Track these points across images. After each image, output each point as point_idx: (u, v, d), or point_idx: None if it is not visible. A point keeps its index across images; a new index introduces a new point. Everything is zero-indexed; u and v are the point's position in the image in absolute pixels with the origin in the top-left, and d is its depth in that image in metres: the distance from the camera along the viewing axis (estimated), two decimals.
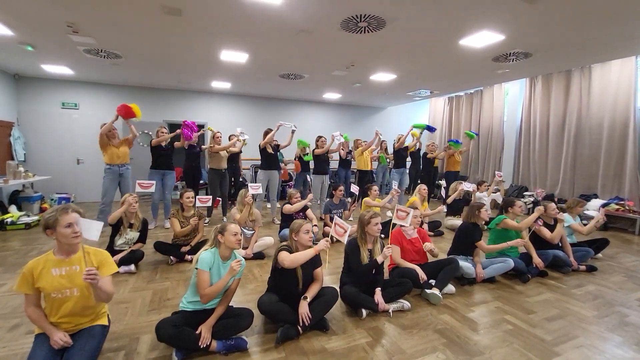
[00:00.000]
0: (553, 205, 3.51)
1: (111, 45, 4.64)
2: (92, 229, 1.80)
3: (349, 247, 2.60)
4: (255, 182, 5.27)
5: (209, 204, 3.72)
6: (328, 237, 2.41)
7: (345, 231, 2.40)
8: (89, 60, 5.40)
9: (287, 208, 4.26)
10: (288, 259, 2.19)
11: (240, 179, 7.17)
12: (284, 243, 2.39)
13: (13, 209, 5.29)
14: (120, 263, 3.20)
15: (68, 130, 7.05)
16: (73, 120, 7.10)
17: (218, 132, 5.40)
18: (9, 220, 4.86)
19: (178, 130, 5.01)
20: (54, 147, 6.95)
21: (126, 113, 4.45)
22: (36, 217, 5.18)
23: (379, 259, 2.52)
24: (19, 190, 5.86)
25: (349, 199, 5.66)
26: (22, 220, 4.94)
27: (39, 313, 1.73)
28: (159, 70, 6.05)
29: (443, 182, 7.33)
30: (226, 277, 2.04)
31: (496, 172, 5.82)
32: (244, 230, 2.12)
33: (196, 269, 2.04)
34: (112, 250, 3.29)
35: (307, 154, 6.24)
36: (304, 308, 2.18)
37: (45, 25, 3.91)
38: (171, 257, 3.54)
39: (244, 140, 5.53)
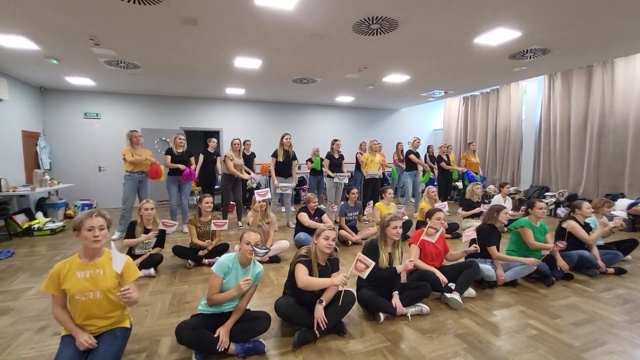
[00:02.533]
0: (587, 204, 3.38)
1: (130, 56, 4.80)
2: (117, 260, 1.81)
3: (368, 249, 2.57)
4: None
5: (225, 227, 3.70)
6: (347, 273, 2.23)
7: (367, 267, 2.26)
8: (109, 71, 5.61)
9: (303, 219, 4.26)
10: (303, 281, 2.16)
11: (255, 184, 7.26)
12: (303, 251, 2.35)
13: (39, 215, 5.52)
14: (140, 267, 3.28)
15: (90, 139, 7.33)
16: (95, 129, 7.38)
17: (236, 138, 5.38)
18: (36, 226, 5.07)
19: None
20: (77, 156, 7.23)
21: (155, 174, 4.78)
22: (61, 223, 5.38)
23: (398, 268, 2.49)
24: (44, 197, 6.11)
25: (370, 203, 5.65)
26: (47, 227, 5.14)
27: (66, 314, 1.79)
28: (175, 79, 6.21)
29: (459, 184, 7.21)
30: (232, 291, 2.03)
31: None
32: (256, 249, 2.09)
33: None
34: (131, 255, 3.37)
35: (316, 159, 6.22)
36: (319, 312, 2.16)
37: (68, 38, 4.09)
38: (189, 261, 3.60)
39: (249, 183, 5.57)
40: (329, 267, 2.37)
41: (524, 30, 3.89)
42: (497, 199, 5.30)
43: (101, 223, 1.79)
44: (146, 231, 3.42)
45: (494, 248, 3.08)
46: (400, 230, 2.57)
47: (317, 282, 2.21)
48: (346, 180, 5.68)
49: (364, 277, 2.28)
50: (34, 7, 3.26)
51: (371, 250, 2.55)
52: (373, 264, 2.28)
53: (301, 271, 2.22)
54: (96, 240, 1.77)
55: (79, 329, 1.77)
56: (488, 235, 3.11)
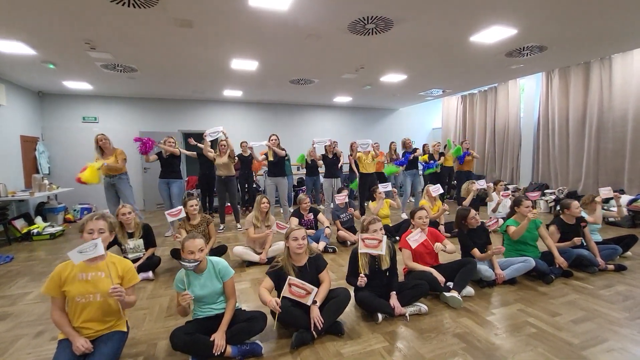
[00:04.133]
0: (576, 203, 3.37)
1: (127, 59, 4.81)
2: (75, 254, 1.73)
3: (352, 254, 2.58)
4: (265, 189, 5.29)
5: (182, 215, 3.59)
6: (280, 299, 2.12)
7: (309, 293, 2.14)
8: (107, 75, 5.61)
9: (292, 225, 4.24)
10: (259, 293, 2.22)
11: (254, 185, 7.26)
12: (279, 259, 2.35)
13: (39, 220, 5.53)
14: (138, 270, 3.26)
15: (89, 143, 7.21)
16: (93, 133, 7.30)
17: (223, 141, 5.27)
18: (35, 231, 5.08)
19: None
20: (76, 160, 7.18)
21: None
22: (60, 228, 5.39)
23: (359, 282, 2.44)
24: (44, 202, 6.12)
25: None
26: (47, 231, 5.15)
27: (64, 318, 1.79)
28: (172, 81, 6.22)
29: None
30: (179, 308, 2.02)
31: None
32: (183, 263, 2.02)
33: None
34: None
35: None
36: (315, 312, 2.16)
37: (64, 43, 4.10)
38: None
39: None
40: (310, 266, 2.35)
41: (520, 28, 3.88)
42: (492, 197, 5.29)
43: (101, 226, 1.81)
44: (130, 235, 3.40)
45: (475, 251, 3.07)
46: (383, 232, 2.56)
47: (264, 297, 2.17)
48: (328, 143, 5.44)
49: (308, 303, 2.16)
50: (29, 13, 3.27)
51: (353, 259, 2.56)
52: (315, 289, 2.16)
53: (263, 283, 2.26)
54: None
55: (76, 333, 1.77)
56: (465, 241, 3.13)
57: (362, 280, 2.42)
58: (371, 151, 5.56)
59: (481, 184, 5.13)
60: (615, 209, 3.98)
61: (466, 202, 5.12)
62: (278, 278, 2.28)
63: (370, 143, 5.52)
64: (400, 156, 6.41)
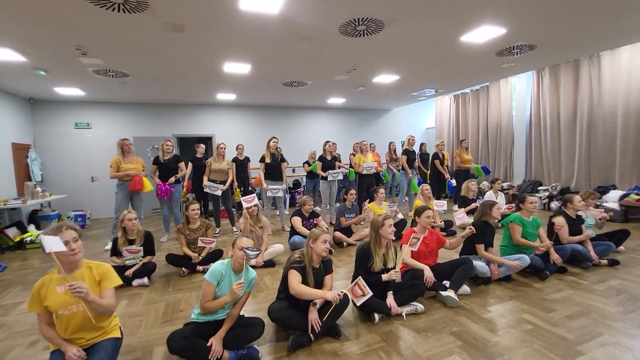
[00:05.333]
0: (578, 197, 3.42)
1: (118, 64, 4.78)
2: (49, 243, 1.64)
3: (361, 252, 2.57)
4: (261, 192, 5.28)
5: (213, 245, 3.67)
6: (341, 292, 2.22)
7: (364, 295, 2.26)
8: (99, 81, 5.57)
9: (296, 224, 4.25)
10: (296, 290, 2.17)
11: (250, 189, 7.23)
12: (296, 256, 2.35)
13: (32, 228, 5.46)
14: (133, 276, 3.25)
15: (82, 149, 7.27)
16: (86, 139, 7.32)
17: (222, 143, 5.35)
18: (28, 239, 5.01)
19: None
20: (69, 166, 7.16)
21: (133, 185, 4.60)
22: None
23: (384, 277, 2.48)
24: (37, 209, 6.05)
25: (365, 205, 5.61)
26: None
27: (52, 331, 1.76)
28: (165, 86, 6.19)
29: (454, 181, 7.23)
30: (226, 297, 2.02)
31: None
32: (247, 252, 2.07)
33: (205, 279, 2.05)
34: (123, 266, 3.32)
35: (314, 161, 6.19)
36: (313, 314, 2.16)
37: (55, 49, 4.07)
38: (183, 268, 3.57)
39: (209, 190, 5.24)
40: (322, 269, 2.37)
41: (509, 27, 3.93)
42: (489, 195, 5.33)
43: (74, 235, 1.76)
44: (130, 242, 3.37)
45: (481, 246, 3.09)
46: (394, 229, 2.57)
47: (309, 293, 2.18)
48: (340, 177, 5.60)
49: (358, 305, 2.28)
50: (18, 19, 3.24)
51: (363, 255, 2.55)
52: (371, 294, 2.26)
53: (294, 278, 2.21)
54: (74, 254, 1.75)
55: (67, 343, 1.74)
56: (481, 231, 3.11)
57: (395, 274, 2.48)
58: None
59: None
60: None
61: (472, 207, 5.06)
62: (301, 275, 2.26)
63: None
64: (402, 153, 6.40)
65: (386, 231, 2.53)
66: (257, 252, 2.10)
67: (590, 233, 3.51)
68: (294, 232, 4.35)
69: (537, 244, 3.20)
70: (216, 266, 2.10)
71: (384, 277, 2.49)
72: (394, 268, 2.56)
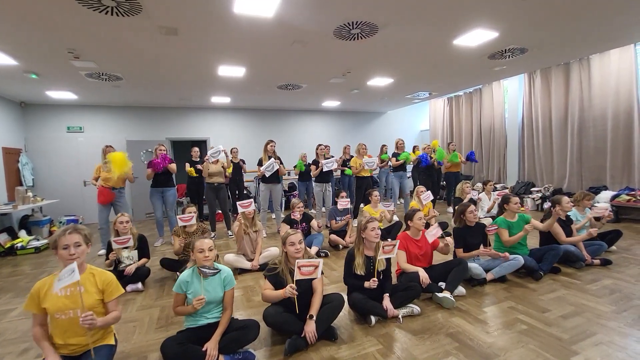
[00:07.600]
0: (567, 198, 3.45)
1: (111, 68, 4.74)
2: (64, 278, 1.65)
3: (347, 255, 2.58)
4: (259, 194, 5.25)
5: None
6: (294, 283, 2.16)
7: (317, 266, 2.19)
8: (91, 84, 5.52)
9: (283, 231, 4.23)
10: (262, 297, 2.27)
11: (245, 192, 7.21)
12: (274, 264, 2.34)
13: (23, 233, 5.37)
14: (127, 281, 3.20)
15: (74, 154, 7.18)
16: (79, 143, 7.24)
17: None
18: (19, 245, 4.93)
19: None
20: (61, 171, 7.07)
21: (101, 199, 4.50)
22: (45, 241, 5.24)
23: (365, 284, 2.46)
24: (28, 215, 5.94)
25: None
26: (31, 245, 5.00)
27: (42, 333, 1.73)
28: (159, 89, 6.15)
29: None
30: (188, 308, 2.02)
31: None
32: (204, 270, 2.06)
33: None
34: (116, 270, 3.27)
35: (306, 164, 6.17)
36: (310, 327, 2.13)
37: (47, 52, 4.02)
38: (177, 272, 3.53)
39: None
40: None
41: (501, 31, 3.98)
42: (481, 197, 5.37)
43: (76, 240, 1.74)
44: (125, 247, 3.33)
45: (460, 250, 3.12)
46: (379, 232, 2.56)
47: (272, 295, 2.19)
48: (334, 165, 5.51)
49: (317, 276, 2.21)
50: (9, 22, 3.21)
51: (348, 258, 2.57)
52: (320, 260, 2.22)
53: (264, 286, 2.27)
54: (72, 259, 1.72)
55: (52, 350, 1.69)
56: (457, 237, 3.17)
57: (373, 283, 2.44)
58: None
59: (474, 195, 5.08)
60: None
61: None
62: (275, 282, 2.26)
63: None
64: (390, 156, 6.42)
65: (369, 234, 2.53)
66: (214, 272, 2.06)
67: (594, 231, 3.44)
68: None
69: (529, 227, 3.19)
70: (181, 276, 2.10)
71: (365, 284, 2.47)
72: (383, 271, 2.55)
